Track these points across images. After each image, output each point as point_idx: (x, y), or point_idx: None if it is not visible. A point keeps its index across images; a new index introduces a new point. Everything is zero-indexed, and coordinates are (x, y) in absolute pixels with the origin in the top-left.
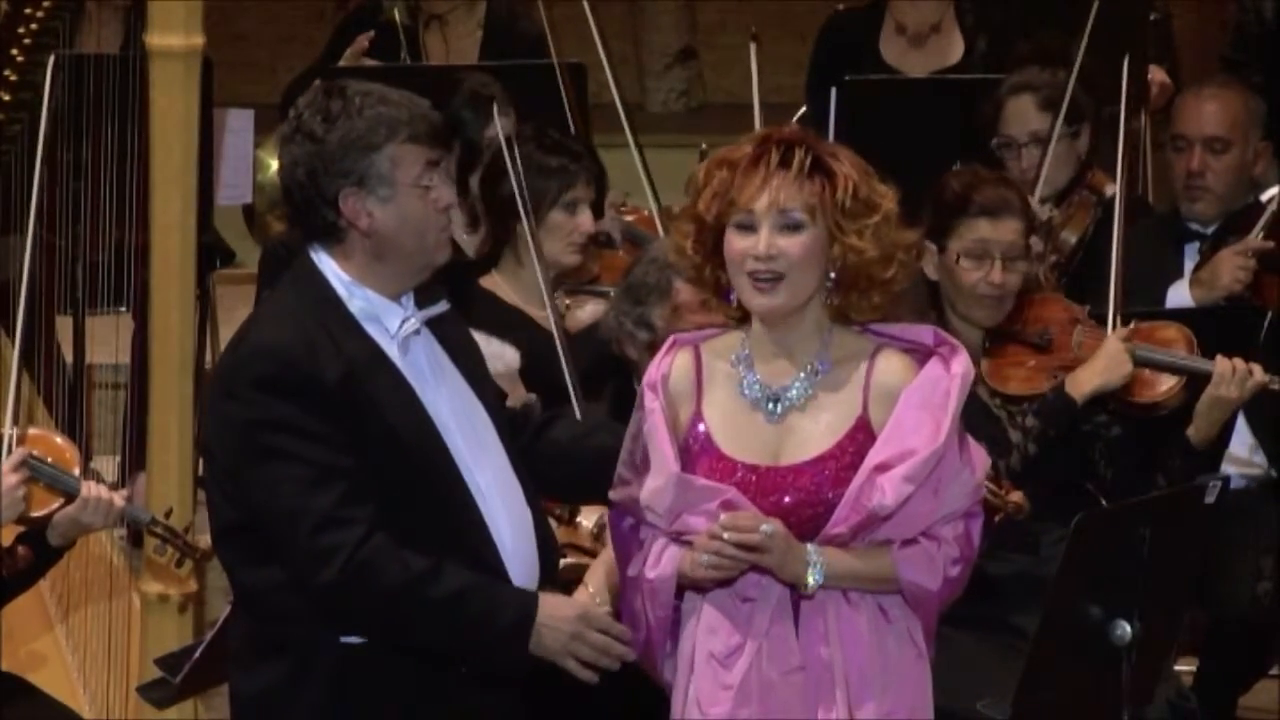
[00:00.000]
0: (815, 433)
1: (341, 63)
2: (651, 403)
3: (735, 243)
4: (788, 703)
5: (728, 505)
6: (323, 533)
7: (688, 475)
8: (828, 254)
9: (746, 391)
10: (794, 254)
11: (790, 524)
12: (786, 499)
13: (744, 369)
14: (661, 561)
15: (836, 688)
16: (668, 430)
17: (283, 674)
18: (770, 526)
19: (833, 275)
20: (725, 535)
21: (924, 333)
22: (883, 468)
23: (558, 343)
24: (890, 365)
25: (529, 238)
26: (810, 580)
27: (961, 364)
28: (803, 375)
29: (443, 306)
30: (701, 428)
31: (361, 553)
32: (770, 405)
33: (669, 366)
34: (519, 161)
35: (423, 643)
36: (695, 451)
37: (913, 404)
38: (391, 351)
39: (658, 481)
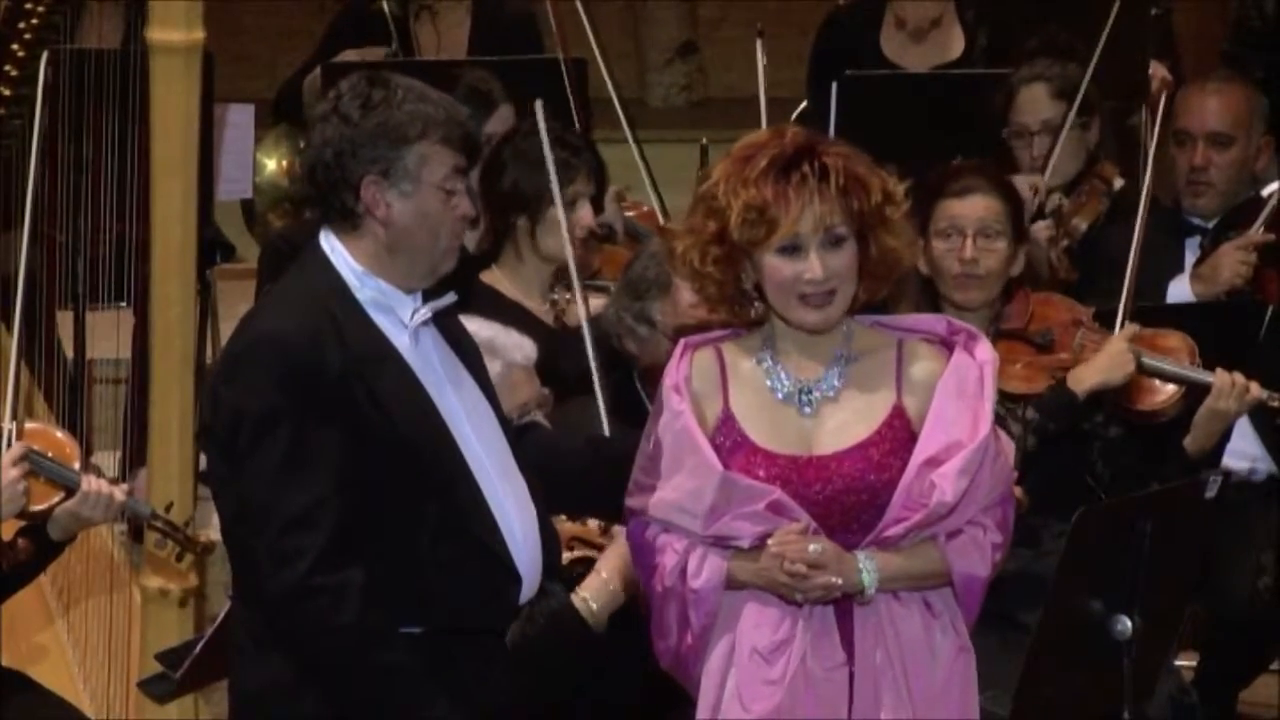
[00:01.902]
0: (851, 421)
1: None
2: (679, 404)
3: (782, 268)
4: (831, 700)
5: (774, 507)
6: (288, 534)
7: (733, 475)
8: (858, 258)
9: (777, 387)
10: (843, 269)
11: (834, 511)
12: (831, 487)
13: (770, 364)
14: (705, 570)
15: (894, 688)
16: (701, 430)
17: (288, 668)
18: (817, 545)
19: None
20: (786, 564)
21: (936, 323)
22: (932, 462)
23: (585, 333)
24: (920, 354)
25: (561, 221)
26: (868, 589)
27: (986, 350)
28: (833, 367)
29: (450, 298)
30: (732, 424)
31: (329, 578)
32: (802, 398)
33: (689, 367)
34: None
35: (338, 694)
36: (728, 448)
37: (949, 395)
38: (400, 343)
39: (695, 482)
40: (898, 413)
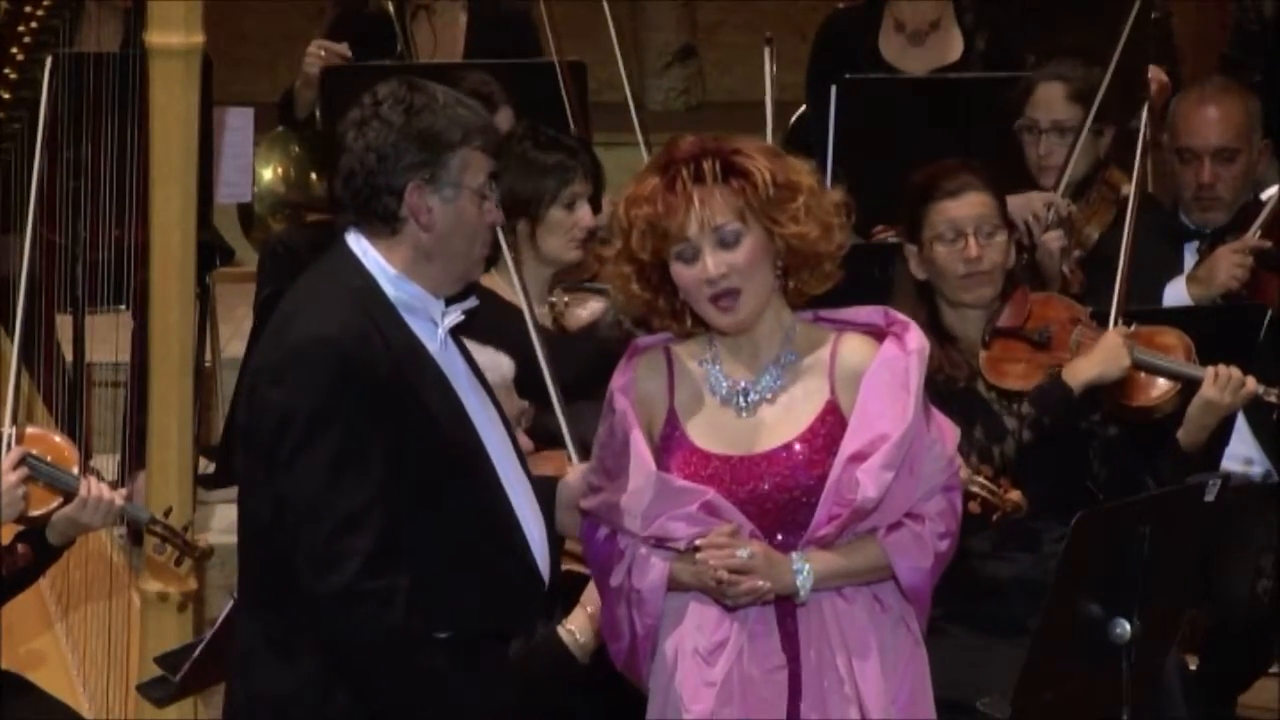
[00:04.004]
0: (786, 421)
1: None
2: (622, 406)
3: (684, 274)
4: (769, 701)
5: (707, 507)
6: (338, 536)
7: (666, 475)
8: (771, 249)
9: (716, 389)
10: (743, 264)
11: (769, 510)
12: (762, 486)
13: (712, 367)
14: (648, 571)
15: (839, 687)
16: (641, 432)
17: (317, 671)
18: (746, 550)
19: (780, 264)
20: (709, 570)
21: (875, 314)
22: (857, 457)
23: (536, 344)
24: (852, 346)
25: (504, 247)
26: (801, 590)
27: (916, 339)
28: (770, 369)
29: (473, 301)
30: (675, 425)
31: (376, 582)
32: (740, 400)
33: (636, 370)
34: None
35: (378, 697)
36: (669, 449)
37: (875, 387)
38: (431, 348)
39: (634, 483)
40: (830, 409)
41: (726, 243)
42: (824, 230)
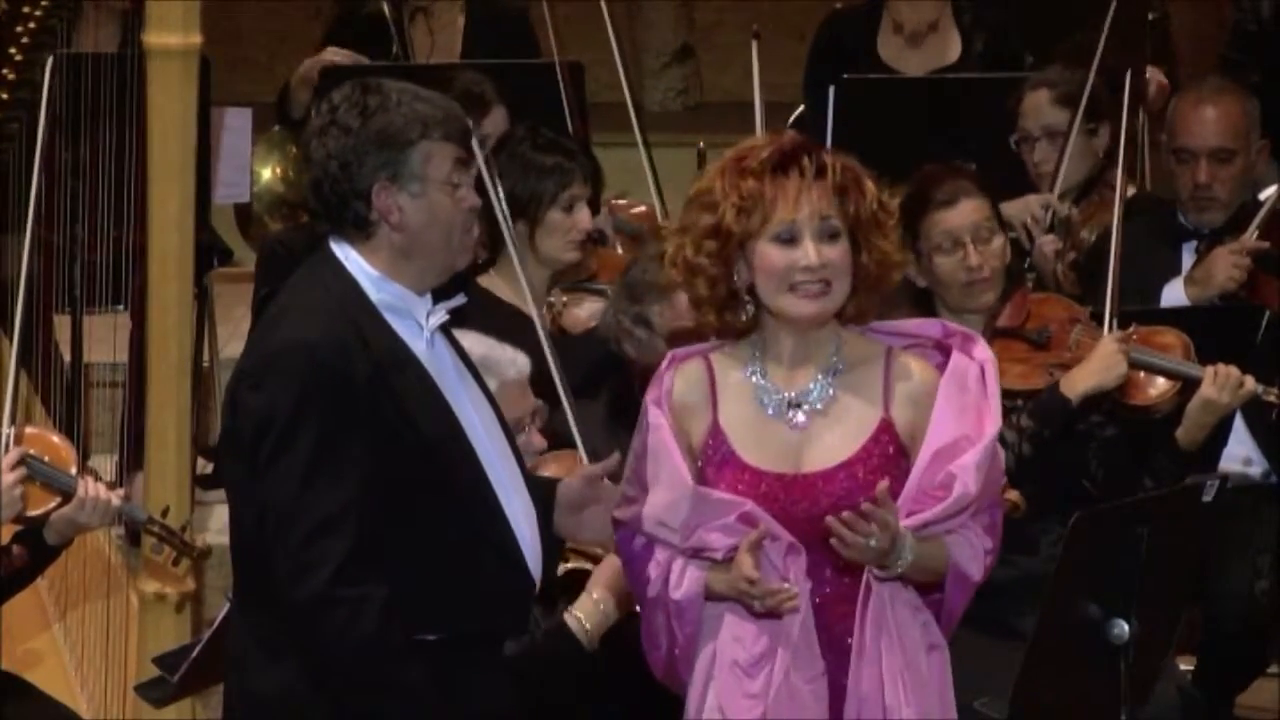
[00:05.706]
0: (839, 438)
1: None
2: (658, 418)
3: (776, 256)
4: (811, 708)
5: (745, 518)
6: (312, 540)
7: (704, 489)
8: (854, 264)
9: (765, 400)
10: (839, 262)
11: (821, 529)
12: (818, 507)
13: (759, 378)
14: (685, 582)
15: (894, 681)
16: (677, 445)
17: (303, 675)
18: (877, 540)
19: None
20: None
21: (930, 326)
22: (943, 455)
23: (545, 346)
24: (909, 367)
25: (509, 243)
26: (899, 563)
27: (983, 350)
28: (820, 378)
29: (461, 299)
30: (721, 439)
31: (350, 589)
32: (791, 412)
33: (673, 380)
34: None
35: (348, 706)
36: (716, 463)
37: (952, 394)
38: (417, 348)
39: (670, 496)
40: (885, 427)
41: (828, 235)
42: (902, 255)
